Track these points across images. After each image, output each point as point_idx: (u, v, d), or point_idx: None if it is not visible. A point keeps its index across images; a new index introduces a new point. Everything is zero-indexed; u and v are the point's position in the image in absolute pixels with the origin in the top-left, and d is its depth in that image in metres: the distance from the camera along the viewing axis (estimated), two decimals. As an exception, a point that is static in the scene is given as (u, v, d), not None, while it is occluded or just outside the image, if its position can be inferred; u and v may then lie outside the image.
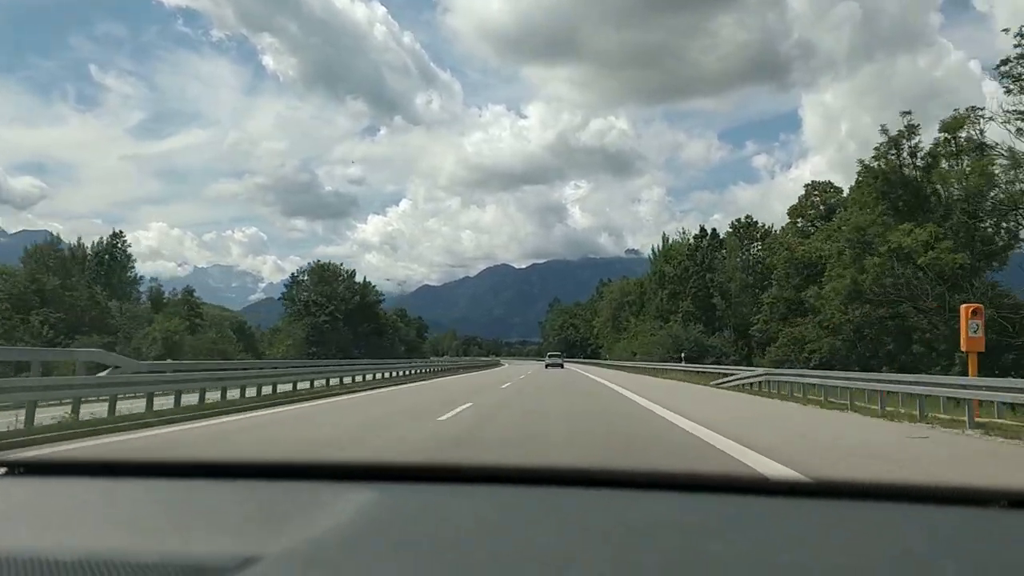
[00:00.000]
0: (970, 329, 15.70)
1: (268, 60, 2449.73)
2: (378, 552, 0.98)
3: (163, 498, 1.28)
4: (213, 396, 16.75)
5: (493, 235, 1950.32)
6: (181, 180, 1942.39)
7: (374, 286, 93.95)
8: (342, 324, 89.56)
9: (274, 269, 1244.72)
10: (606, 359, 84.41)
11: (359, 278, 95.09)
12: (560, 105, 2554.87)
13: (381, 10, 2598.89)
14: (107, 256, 69.33)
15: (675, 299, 65.98)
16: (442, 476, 1.30)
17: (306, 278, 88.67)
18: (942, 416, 13.99)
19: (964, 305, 16.84)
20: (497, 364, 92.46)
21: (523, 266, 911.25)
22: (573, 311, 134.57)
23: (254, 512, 1.20)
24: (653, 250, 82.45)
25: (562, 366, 61.29)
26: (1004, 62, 30.31)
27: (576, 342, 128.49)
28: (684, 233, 73.99)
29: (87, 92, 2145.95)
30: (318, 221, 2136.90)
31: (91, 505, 1.25)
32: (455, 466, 1.31)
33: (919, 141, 36.22)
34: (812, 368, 32.78)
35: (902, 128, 36.36)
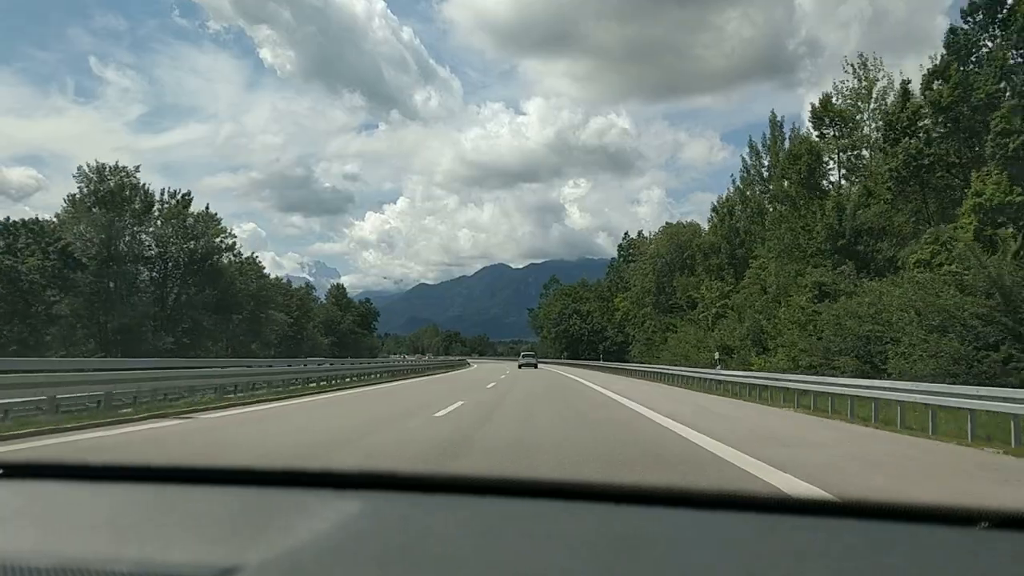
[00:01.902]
0: None
1: (266, 53, 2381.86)
2: (361, 562, 0.94)
3: (143, 503, 1.23)
4: None
5: (490, 234, 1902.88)
6: (178, 174, 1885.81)
7: (218, 220, 49.82)
8: (174, 284, 46.57)
9: (272, 266, 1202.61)
10: (651, 362, 41.26)
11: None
12: (560, 101, 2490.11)
13: (379, 3, 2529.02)
14: None
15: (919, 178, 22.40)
16: (428, 486, 1.22)
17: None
18: None
19: None
20: (464, 365, 71.13)
21: (520, 266, 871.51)
22: (578, 293, 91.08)
23: (236, 519, 1.16)
24: (753, 144, 39.17)
25: (535, 366, 54.58)
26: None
27: (582, 337, 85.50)
28: (869, 68, 30.13)
29: (83, 83, 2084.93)
30: (315, 217, 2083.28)
31: (69, 509, 1.20)
32: (441, 477, 1.24)
33: None
34: None
35: None
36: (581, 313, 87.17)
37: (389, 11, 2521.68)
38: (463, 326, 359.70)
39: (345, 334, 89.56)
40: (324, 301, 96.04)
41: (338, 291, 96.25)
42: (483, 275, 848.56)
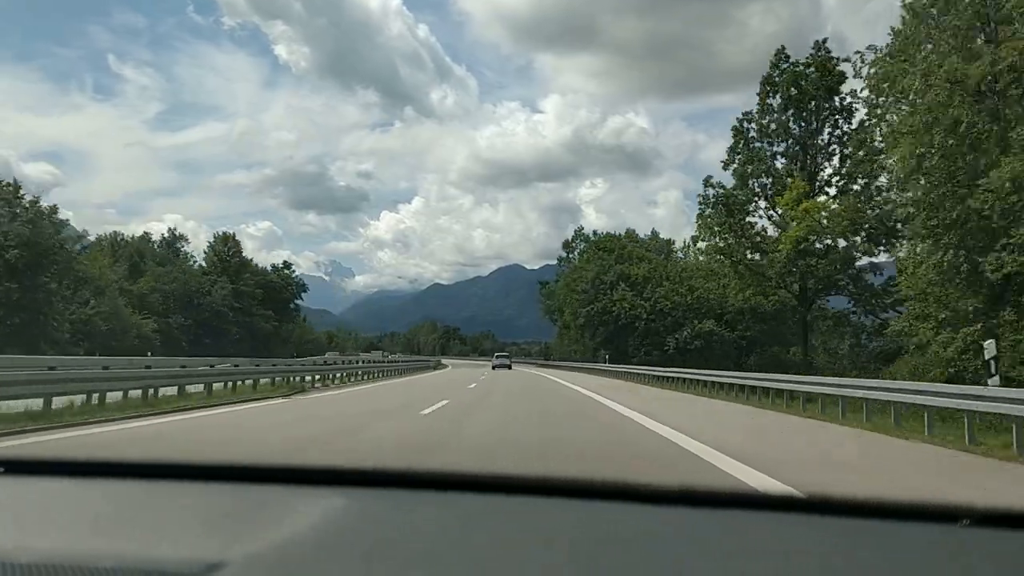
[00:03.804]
0: None
1: (281, 50, 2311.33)
2: (346, 558, 0.92)
3: (126, 499, 1.19)
4: None
5: (505, 234, 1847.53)
6: (196, 172, 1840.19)
7: None
8: None
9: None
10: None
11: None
12: (577, 98, 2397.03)
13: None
14: None
15: None
16: (413, 483, 1.20)
17: None
18: None
19: None
20: (428, 368, 53.65)
21: (536, 267, 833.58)
22: (627, 248, 51.41)
23: (220, 516, 1.13)
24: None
25: (509, 367, 52.14)
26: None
27: (636, 322, 46.03)
28: None
29: (102, 80, 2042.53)
30: (329, 216, 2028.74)
31: (53, 505, 1.16)
32: (427, 473, 1.21)
33: None
34: None
35: None
36: (634, 282, 47.48)
37: (404, 8, 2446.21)
38: (476, 327, 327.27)
39: (216, 316, 50.84)
40: (202, 263, 57.30)
41: (224, 245, 56.82)
42: (497, 276, 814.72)
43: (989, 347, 11.70)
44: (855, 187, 29.22)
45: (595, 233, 60.30)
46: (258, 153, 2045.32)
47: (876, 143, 22.97)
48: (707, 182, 30.84)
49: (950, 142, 15.07)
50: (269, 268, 62.92)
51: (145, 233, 58.39)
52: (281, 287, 60.90)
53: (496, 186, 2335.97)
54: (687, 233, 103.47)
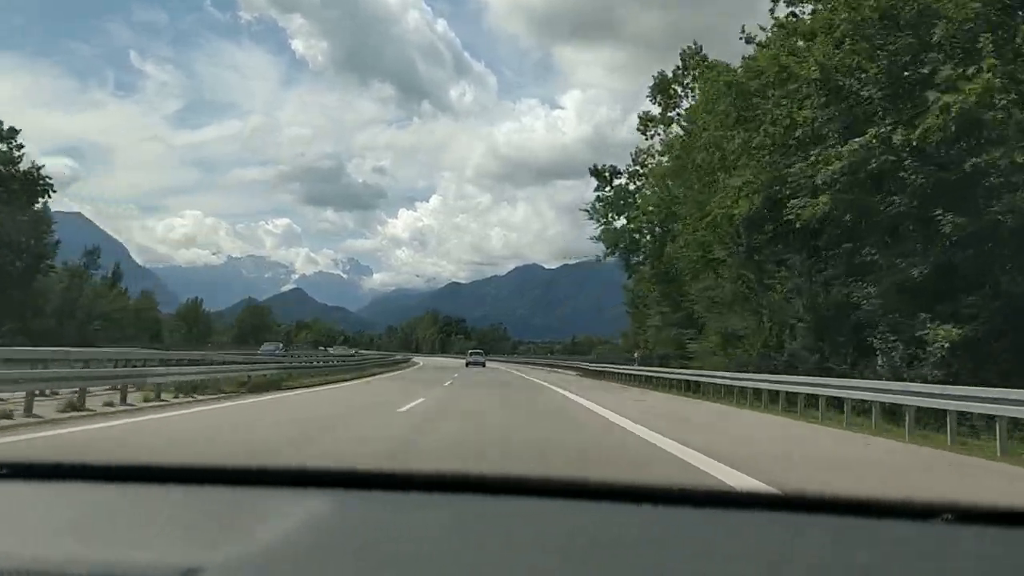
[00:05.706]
0: None
1: (298, 44, 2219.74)
2: (330, 562, 0.89)
3: (102, 503, 1.14)
4: None
5: (523, 233, 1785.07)
6: (212, 167, 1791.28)
7: None
8: None
9: (307, 261, 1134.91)
10: None
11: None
12: (598, 93, 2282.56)
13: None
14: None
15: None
16: (396, 484, 1.16)
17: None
18: None
19: None
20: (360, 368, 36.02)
21: (554, 266, 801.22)
22: None
23: (198, 519, 1.09)
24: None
25: (483, 364, 49.67)
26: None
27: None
28: None
29: (120, 76, 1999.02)
30: (347, 213, 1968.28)
31: (26, 510, 1.12)
32: (410, 474, 1.17)
33: None
34: None
35: None
36: None
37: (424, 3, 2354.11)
38: (486, 325, 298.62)
39: None
40: None
41: None
42: (514, 275, 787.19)
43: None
44: None
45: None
46: (273, 149, 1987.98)
47: None
48: None
49: None
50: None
51: None
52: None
53: (514, 183, 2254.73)
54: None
